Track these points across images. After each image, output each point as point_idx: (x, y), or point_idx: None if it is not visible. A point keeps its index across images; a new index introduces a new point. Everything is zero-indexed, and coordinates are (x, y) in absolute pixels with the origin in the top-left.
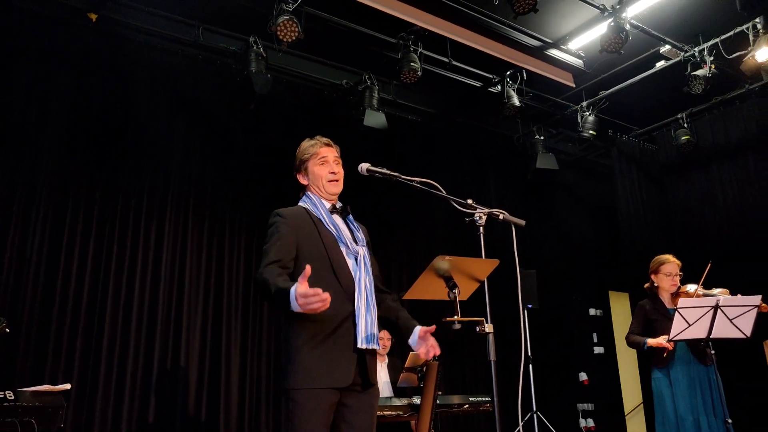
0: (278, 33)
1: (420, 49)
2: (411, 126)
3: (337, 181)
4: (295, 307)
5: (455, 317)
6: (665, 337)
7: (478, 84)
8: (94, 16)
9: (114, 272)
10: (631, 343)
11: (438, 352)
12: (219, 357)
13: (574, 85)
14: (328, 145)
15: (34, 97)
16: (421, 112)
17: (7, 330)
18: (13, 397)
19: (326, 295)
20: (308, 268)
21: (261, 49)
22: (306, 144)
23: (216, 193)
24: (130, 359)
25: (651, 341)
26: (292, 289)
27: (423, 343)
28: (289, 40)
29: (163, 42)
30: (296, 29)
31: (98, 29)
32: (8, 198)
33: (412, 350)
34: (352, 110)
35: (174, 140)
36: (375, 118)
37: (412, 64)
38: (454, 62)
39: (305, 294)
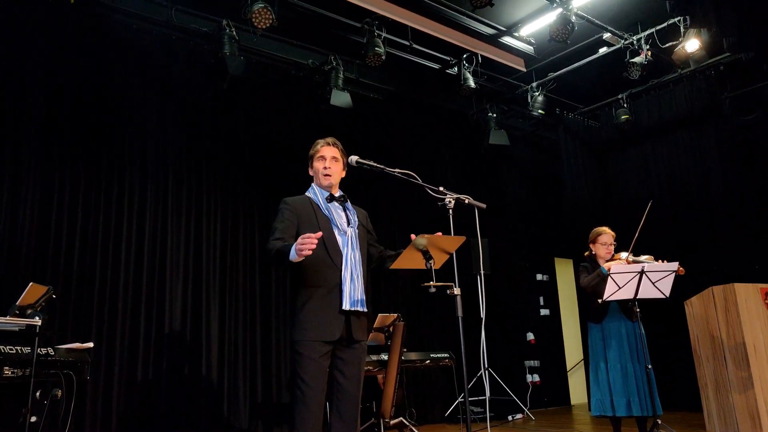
0: (253, 20)
1: (384, 34)
2: (372, 103)
3: (329, 175)
4: (293, 255)
5: (431, 282)
6: (615, 262)
7: (436, 66)
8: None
9: (101, 245)
10: (588, 283)
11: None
12: (199, 318)
13: (524, 69)
14: (328, 144)
15: (14, 74)
16: (382, 91)
17: (54, 296)
18: (54, 353)
19: (315, 238)
20: (320, 233)
21: (233, 32)
22: (315, 143)
23: (192, 166)
24: (118, 321)
25: (607, 264)
26: (292, 245)
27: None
28: (264, 26)
29: (137, 22)
30: (270, 16)
31: (74, 9)
32: None
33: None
34: (319, 90)
35: (150, 117)
36: (340, 98)
37: (376, 48)
38: (415, 45)
39: (301, 240)
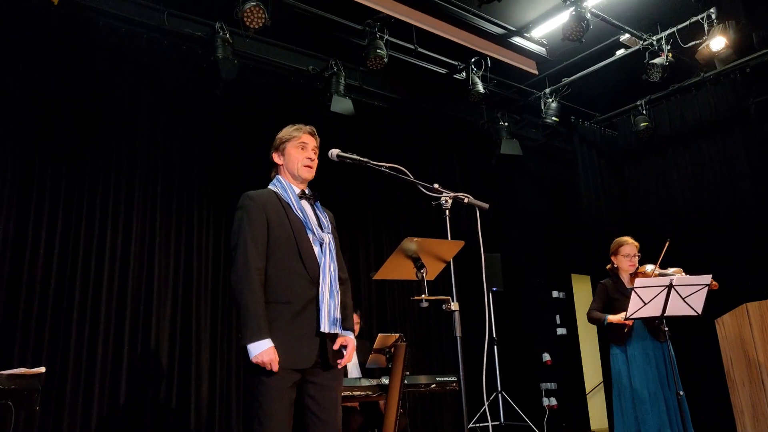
0: (245, 19)
1: (386, 36)
2: (377, 112)
3: (310, 168)
4: (252, 353)
5: (423, 296)
6: (624, 314)
7: (443, 71)
8: (56, 0)
9: (82, 256)
10: (591, 319)
11: (343, 364)
12: (189, 340)
13: (537, 73)
14: (311, 134)
15: None
16: (387, 98)
17: None
18: None
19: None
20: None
21: (227, 35)
22: (290, 128)
23: (183, 177)
24: (100, 342)
25: (611, 317)
26: (264, 344)
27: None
28: (256, 26)
29: (127, 26)
30: (263, 15)
31: (61, 13)
32: None
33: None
34: (319, 96)
35: (140, 125)
36: (342, 104)
37: (378, 51)
38: (420, 49)
39: (271, 362)
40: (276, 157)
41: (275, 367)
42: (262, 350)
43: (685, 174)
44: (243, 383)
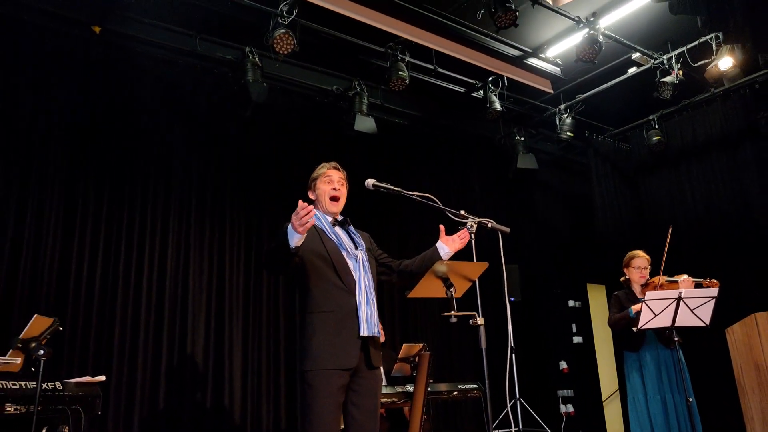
0: (275, 46)
1: (407, 58)
2: (398, 129)
3: (337, 199)
4: (293, 235)
5: (452, 312)
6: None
7: (461, 89)
8: (98, 29)
9: (122, 271)
10: (615, 322)
11: (465, 241)
12: (222, 346)
13: (552, 91)
14: (335, 168)
15: (40, 106)
16: (408, 116)
17: (60, 328)
18: (61, 388)
19: (308, 207)
20: (301, 202)
21: (257, 59)
22: (318, 167)
23: (216, 194)
24: (140, 351)
25: (636, 307)
26: (289, 224)
27: (451, 241)
28: (286, 52)
29: (162, 52)
30: (292, 42)
31: (100, 40)
32: (20, 207)
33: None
34: (343, 115)
35: (174, 146)
36: (365, 123)
37: (400, 72)
38: (439, 69)
39: (296, 213)
40: (311, 194)
41: (304, 210)
42: (289, 227)
43: (698, 186)
44: (273, 385)
